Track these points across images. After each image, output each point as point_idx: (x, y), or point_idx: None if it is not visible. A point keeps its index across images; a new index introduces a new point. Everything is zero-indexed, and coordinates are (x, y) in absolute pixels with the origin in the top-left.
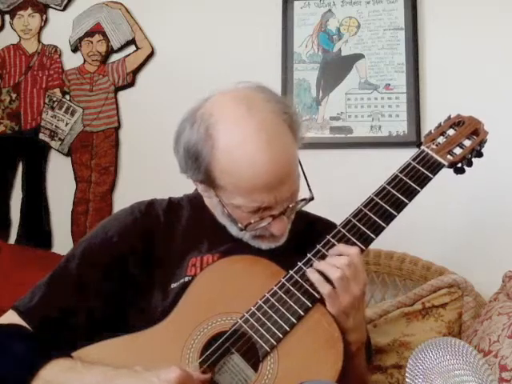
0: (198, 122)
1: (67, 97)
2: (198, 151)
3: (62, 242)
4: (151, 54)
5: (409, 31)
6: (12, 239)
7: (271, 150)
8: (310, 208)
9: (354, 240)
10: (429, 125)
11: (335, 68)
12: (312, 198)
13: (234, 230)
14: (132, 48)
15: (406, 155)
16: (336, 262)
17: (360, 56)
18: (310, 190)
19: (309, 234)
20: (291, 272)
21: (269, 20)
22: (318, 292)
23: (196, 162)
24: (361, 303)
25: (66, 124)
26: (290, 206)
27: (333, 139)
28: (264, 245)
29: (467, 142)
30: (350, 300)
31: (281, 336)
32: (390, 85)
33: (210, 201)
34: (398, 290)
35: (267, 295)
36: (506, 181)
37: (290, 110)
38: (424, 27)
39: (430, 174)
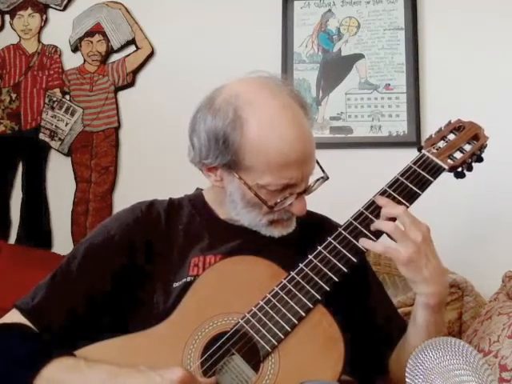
0: (224, 107)
1: (67, 97)
2: (227, 134)
3: (62, 242)
4: (151, 54)
5: (409, 31)
6: (12, 239)
7: (298, 126)
8: (309, 207)
9: (355, 242)
10: (429, 125)
11: (335, 68)
12: (327, 178)
13: (249, 218)
14: (132, 48)
15: (405, 155)
16: (393, 211)
17: (360, 56)
18: (323, 170)
19: (312, 231)
20: (292, 273)
21: (269, 20)
22: (319, 292)
23: (224, 144)
24: (429, 252)
25: (66, 124)
26: (311, 184)
27: (333, 139)
28: (277, 232)
29: (467, 147)
30: (413, 249)
31: (282, 336)
32: (389, 85)
33: (220, 194)
34: (398, 290)
35: (268, 296)
36: (506, 181)
37: (299, 92)
38: (424, 27)
39: (430, 178)
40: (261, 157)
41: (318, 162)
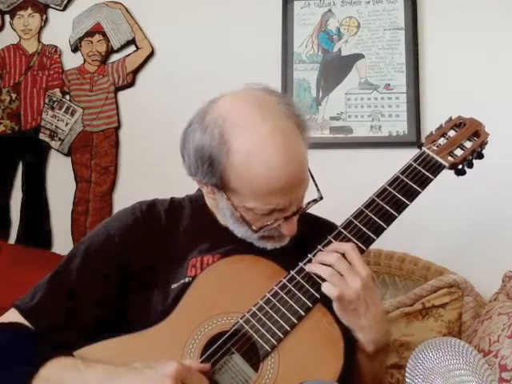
0: (211, 127)
1: (67, 97)
2: (213, 156)
3: (62, 242)
4: (151, 54)
5: (409, 31)
6: (12, 239)
7: (287, 153)
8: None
9: (355, 240)
10: (429, 125)
11: (335, 68)
12: (321, 198)
13: (240, 232)
14: (132, 48)
15: (406, 155)
16: (326, 259)
17: (360, 56)
18: (318, 190)
19: (311, 234)
20: (292, 272)
21: (269, 20)
22: (318, 291)
23: (210, 166)
24: (369, 298)
25: (66, 124)
26: (303, 206)
27: (333, 139)
28: (270, 245)
29: (468, 144)
30: (352, 294)
31: (281, 336)
32: (389, 85)
33: (215, 203)
34: (398, 290)
35: (268, 295)
36: (506, 181)
37: (298, 111)
38: (424, 27)
39: (430, 175)
40: (245, 183)
41: (313, 180)
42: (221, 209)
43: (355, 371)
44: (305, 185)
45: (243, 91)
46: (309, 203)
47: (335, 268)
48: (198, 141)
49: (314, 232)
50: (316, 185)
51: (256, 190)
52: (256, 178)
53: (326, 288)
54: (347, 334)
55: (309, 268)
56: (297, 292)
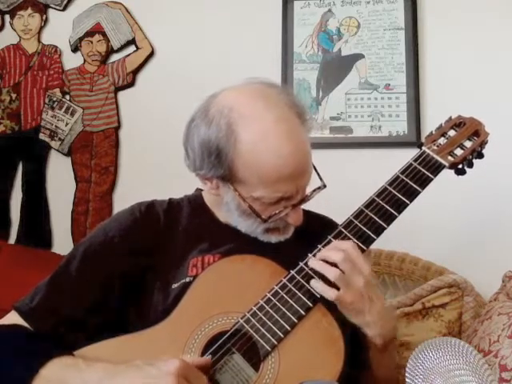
0: (217, 118)
1: (67, 97)
2: (220, 147)
3: (62, 242)
4: (151, 54)
5: (409, 31)
6: (12, 239)
7: (293, 140)
8: (309, 207)
9: (355, 240)
10: (429, 125)
11: (335, 68)
12: (325, 186)
13: (245, 226)
14: (132, 48)
15: (406, 155)
16: (331, 257)
17: (360, 56)
18: (320, 178)
19: (313, 231)
20: (292, 272)
21: (269, 20)
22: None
23: (217, 157)
24: (373, 294)
25: (66, 124)
26: (308, 194)
27: (333, 139)
28: (274, 238)
29: (468, 143)
30: (355, 294)
31: (282, 336)
32: (389, 85)
33: (217, 199)
34: (398, 290)
35: (268, 295)
36: (506, 181)
37: (299, 102)
38: (424, 27)
39: (430, 175)
40: (253, 171)
41: (315, 170)
42: (225, 203)
43: (367, 367)
44: (309, 172)
45: (243, 85)
46: (313, 191)
47: (340, 267)
48: (204, 134)
49: (317, 230)
50: (318, 173)
51: (264, 178)
52: (264, 166)
53: (326, 291)
54: (355, 331)
55: (312, 264)
56: (297, 292)
